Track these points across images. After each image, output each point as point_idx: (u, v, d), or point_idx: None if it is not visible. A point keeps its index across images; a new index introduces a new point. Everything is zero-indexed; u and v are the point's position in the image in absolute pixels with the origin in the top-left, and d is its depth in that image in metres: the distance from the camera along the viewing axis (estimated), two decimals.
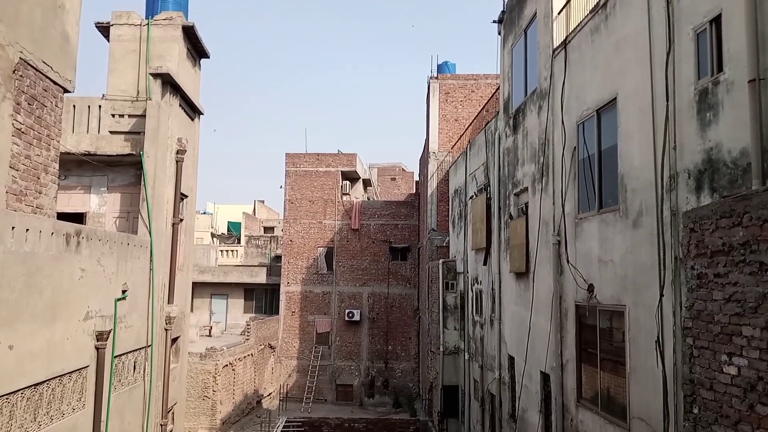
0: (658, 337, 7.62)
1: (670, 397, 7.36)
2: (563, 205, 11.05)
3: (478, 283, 18.94)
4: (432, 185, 27.40)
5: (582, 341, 10.37)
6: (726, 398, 5.76)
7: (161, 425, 11.56)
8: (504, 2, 15.66)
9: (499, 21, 16.08)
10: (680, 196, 7.33)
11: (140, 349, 10.67)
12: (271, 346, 33.65)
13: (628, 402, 8.46)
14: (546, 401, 12.07)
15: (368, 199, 41.12)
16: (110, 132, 11.84)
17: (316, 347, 34.55)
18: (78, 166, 11.96)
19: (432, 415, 24.31)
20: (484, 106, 23.69)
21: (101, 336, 8.74)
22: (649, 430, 7.86)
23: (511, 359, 14.87)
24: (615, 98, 9.11)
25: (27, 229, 6.92)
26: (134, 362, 10.46)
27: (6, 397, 6.60)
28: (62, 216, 10.21)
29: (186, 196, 13.39)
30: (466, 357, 20.58)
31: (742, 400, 5.52)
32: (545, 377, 12.09)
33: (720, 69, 6.68)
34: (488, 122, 18.29)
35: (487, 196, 17.46)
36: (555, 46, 11.69)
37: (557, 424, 11.04)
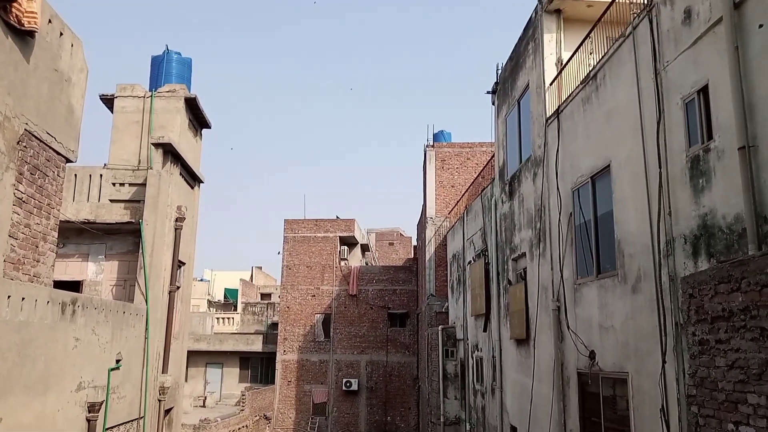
0: (662, 405, 7.47)
1: None
2: (561, 271, 11.04)
3: (478, 350, 18.66)
4: (430, 250, 27.42)
5: (585, 410, 10.13)
6: None
7: None
8: (497, 74, 16.16)
9: (493, 92, 16.54)
10: (678, 261, 7.34)
11: (132, 420, 10.39)
12: (266, 417, 32.74)
13: None
14: None
15: (366, 264, 41.03)
16: (110, 200, 11.95)
17: (312, 418, 33.61)
18: (77, 234, 11.99)
19: None
20: (480, 173, 24.03)
21: (93, 407, 8.53)
22: None
23: (514, 429, 14.47)
24: (608, 165, 9.27)
25: (23, 298, 6.87)
26: None
27: None
28: (59, 284, 10.16)
29: (183, 264, 13.37)
30: (468, 428, 20.01)
31: None
32: None
33: (710, 137, 6.84)
34: (484, 188, 18.50)
35: (485, 261, 17.45)
36: (548, 116, 11.98)
37: None
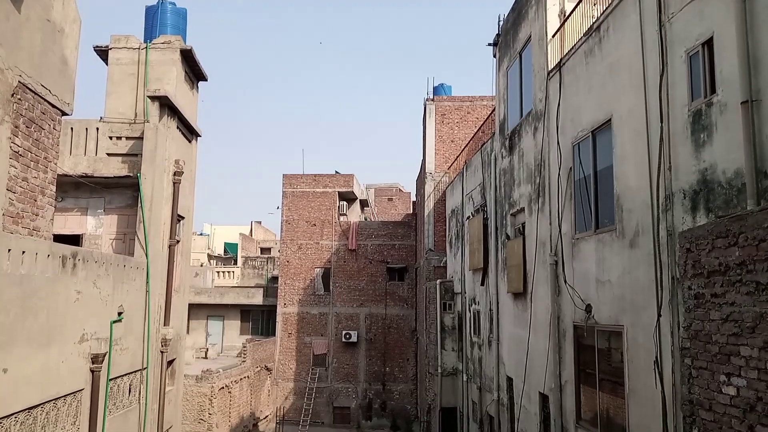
0: (656, 357, 7.60)
1: (669, 418, 7.31)
2: (560, 226, 11.08)
3: (475, 304, 18.89)
4: (429, 206, 27.45)
5: (580, 362, 10.32)
6: (725, 419, 5.73)
7: None
8: (499, 25, 15.85)
9: (495, 44, 16.26)
10: (676, 217, 7.36)
11: (136, 371, 10.59)
12: (267, 368, 33.37)
13: (628, 423, 8.41)
14: (545, 423, 11.97)
15: (365, 219, 41.14)
16: (107, 154, 11.87)
17: (313, 369, 34.29)
18: (75, 188, 11.96)
19: None
20: (480, 128, 23.85)
21: (96, 359, 8.67)
22: None
23: (510, 380, 14.78)
24: (610, 119, 9.19)
25: (23, 252, 6.90)
26: (129, 385, 10.37)
27: (0, 421, 6.53)
28: (59, 238, 10.20)
29: (183, 218, 13.39)
30: (465, 378, 20.44)
31: (741, 420, 5.49)
32: (544, 398, 12.01)
33: (713, 91, 6.76)
34: (484, 143, 18.40)
35: (483, 216, 17.50)
36: (550, 69, 11.81)
37: None
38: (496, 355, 16.02)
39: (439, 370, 22.28)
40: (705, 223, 6.47)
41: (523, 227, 13.84)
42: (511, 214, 14.79)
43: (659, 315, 7.56)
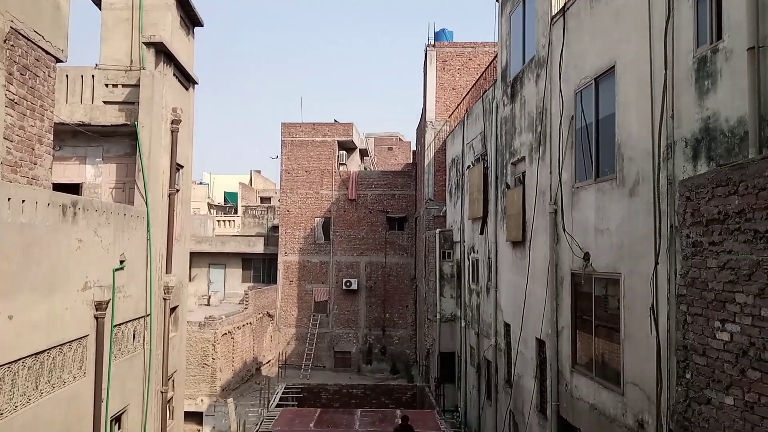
0: (652, 304, 7.71)
1: (663, 363, 7.48)
2: (560, 174, 11.06)
3: (474, 252, 19.05)
4: (429, 155, 27.33)
5: (577, 309, 10.48)
6: (718, 363, 5.85)
7: (161, 392, 11.72)
8: None
9: None
10: (677, 165, 7.34)
11: (139, 318, 10.76)
12: (269, 315, 33.92)
13: (622, 368, 8.60)
14: (541, 367, 12.25)
15: (365, 169, 41.02)
16: (104, 102, 11.73)
17: (314, 316, 34.85)
18: (73, 137, 11.88)
19: (429, 380, 24.67)
20: (481, 75, 23.50)
21: (100, 306, 8.80)
22: (642, 395, 8.00)
23: (507, 326, 15.04)
24: (613, 66, 9.05)
25: (23, 200, 6.90)
26: (134, 331, 10.55)
27: (8, 366, 6.67)
28: (58, 187, 10.18)
29: (182, 167, 13.34)
30: (463, 324, 20.80)
31: (734, 365, 5.61)
32: (541, 344, 12.25)
33: (719, 37, 6.63)
34: (486, 91, 18.17)
35: (484, 165, 17.44)
36: (554, 14, 11.55)
37: (552, 390, 11.22)
38: (494, 302, 16.25)
39: (438, 317, 22.66)
40: (705, 172, 6.45)
41: (524, 176, 13.82)
42: (512, 163, 14.73)
43: (657, 263, 7.62)
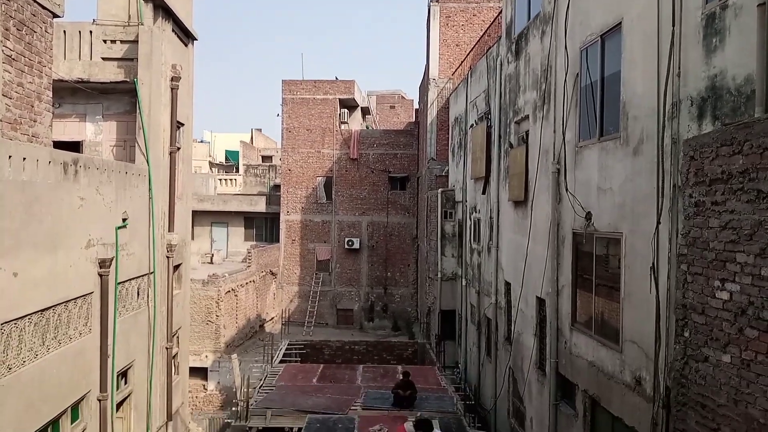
0: (653, 263, 7.75)
1: (662, 321, 7.55)
2: (564, 133, 10.97)
3: (476, 212, 19.06)
4: (432, 113, 27.08)
5: (578, 268, 10.54)
6: (717, 322, 5.91)
7: (166, 348, 11.91)
8: None
9: None
10: (682, 124, 7.26)
11: (143, 276, 10.85)
12: (272, 273, 34.21)
13: (621, 326, 8.70)
14: (541, 325, 12.39)
15: (367, 127, 40.75)
16: (102, 59, 11.57)
17: (316, 274, 35.14)
18: (72, 94, 11.76)
19: (429, 337, 25.03)
20: (486, 31, 23.08)
21: (104, 263, 8.86)
22: (641, 353, 8.11)
23: (508, 285, 15.16)
24: (620, 23, 8.87)
25: (24, 158, 6.88)
26: (138, 288, 10.66)
27: (14, 322, 6.76)
28: (58, 145, 10.14)
29: (182, 125, 13.26)
30: (464, 283, 20.97)
31: (732, 323, 5.67)
32: (541, 302, 12.37)
33: None
34: (490, 48, 17.88)
35: (487, 124, 17.30)
36: None
37: (551, 347, 11.38)
38: (495, 261, 16.34)
39: (439, 275, 22.83)
40: (710, 131, 6.39)
41: (527, 135, 13.72)
42: (515, 122, 14.61)
43: (658, 222, 7.63)
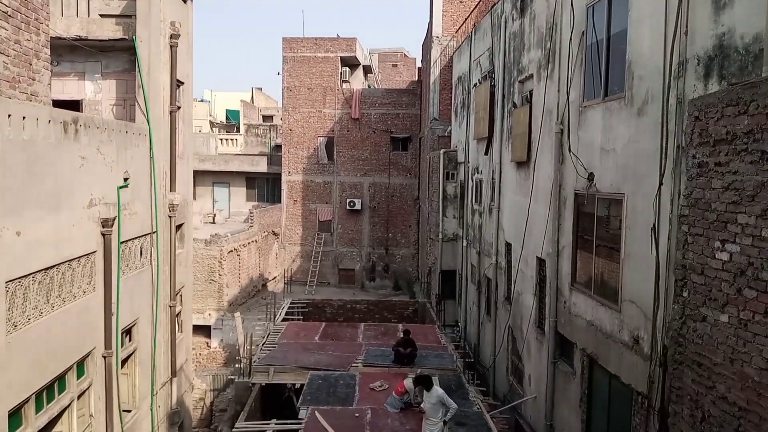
0: (654, 224, 7.76)
1: (661, 282, 7.61)
2: (568, 93, 10.85)
3: (478, 173, 19.01)
4: (435, 72, 26.74)
5: (579, 228, 10.56)
6: (716, 282, 5.95)
7: (170, 306, 12.05)
8: None
9: None
10: (687, 84, 7.17)
11: (145, 235, 10.90)
12: (274, 233, 34.35)
13: (621, 286, 8.76)
14: (541, 285, 12.49)
15: (369, 86, 40.29)
16: (100, 15, 11.39)
17: (318, 234, 35.28)
18: (70, 52, 11.61)
19: (430, 297, 25.28)
20: None
21: (106, 223, 8.89)
22: (639, 313, 8.20)
23: (508, 245, 15.23)
24: None
25: (24, 117, 6.83)
26: (140, 248, 10.72)
27: (18, 280, 6.82)
28: (58, 103, 10.06)
29: (182, 83, 13.12)
30: (464, 244, 21.06)
31: (731, 284, 5.71)
32: (541, 262, 12.44)
33: None
34: (495, 4, 17.54)
35: (491, 83, 17.10)
36: None
37: (551, 306, 11.49)
38: (496, 222, 16.38)
39: (440, 236, 22.92)
40: (716, 91, 6.32)
41: (531, 95, 13.57)
42: (519, 81, 14.44)
43: (661, 183, 7.61)
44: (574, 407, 10.46)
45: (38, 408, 7.45)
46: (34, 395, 7.24)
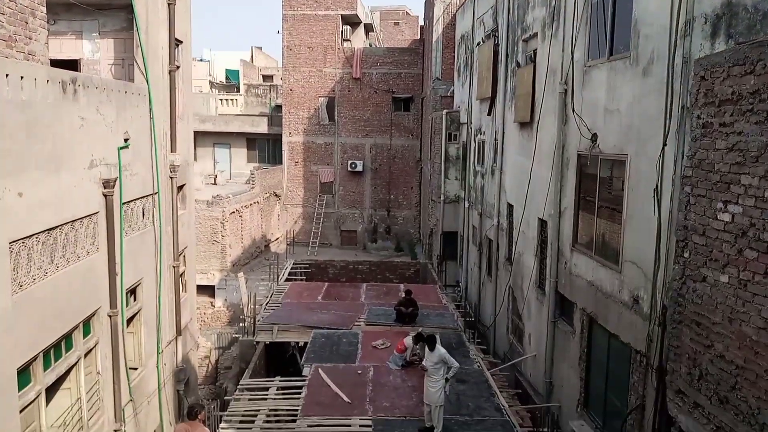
0: (657, 185, 7.74)
1: (662, 243, 7.63)
2: (572, 52, 10.69)
3: (481, 134, 18.89)
4: (437, 31, 26.30)
5: (581, 190, 10.55)
6: (717, 243, 5.97)
7: (173, 267, 12.13)
8: None
9: None
10: (694, 43, 7.06)
11: (147, 196, 10.89)
12: (276, 195, 34.34)
13: (622, 247, 8.80)
14: (542, 246, 12.55)
15: (370, 45, 39.69)
16: None
17: (320, 196, 35.26)
18: (67, 10, 11.40)
19: (431, 258, 25.42)
20: None
21: (108, 183, 8.88)
22: (639, 273, 8.25)
23: (510, 207, 15.23)
24: None
25: (21, 77, 6.76)
26: (143, 209, 10.73)
27: (22, 241, 6.86)
28: (55, 63, 9.94)
29: (181, 42, 12.93)
30: (466, 205, 21.07)
31: (732, 245, 5.72)
32: (542, 224, 12.46)
33: None
34: None
35: (494, 42, 16.84)
36: None
37: (552, 267, 11.56)
38: (498, 183, 16.35)
39: (442, 198, 22.92)
40: (723, 50, 6.22)
41: (535, 54, 13.38)
42: (523, 40, 14.22)
43: (665, 144, 7.56)
44: (573, 365, 10.62)
45: (46, 366, 7.58)
46: (41, 353, 7.35)
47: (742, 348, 5.61)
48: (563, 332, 11.22)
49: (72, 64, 11.47)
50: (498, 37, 16.60)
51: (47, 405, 7.74)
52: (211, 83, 49.73)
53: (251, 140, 38.77)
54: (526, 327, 13.69)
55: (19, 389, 6.91)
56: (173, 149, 12.03)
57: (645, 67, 8.18)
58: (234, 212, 27.25)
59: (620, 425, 8.74)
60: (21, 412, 6.95)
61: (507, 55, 15.70)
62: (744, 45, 5.66)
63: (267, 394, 12.15)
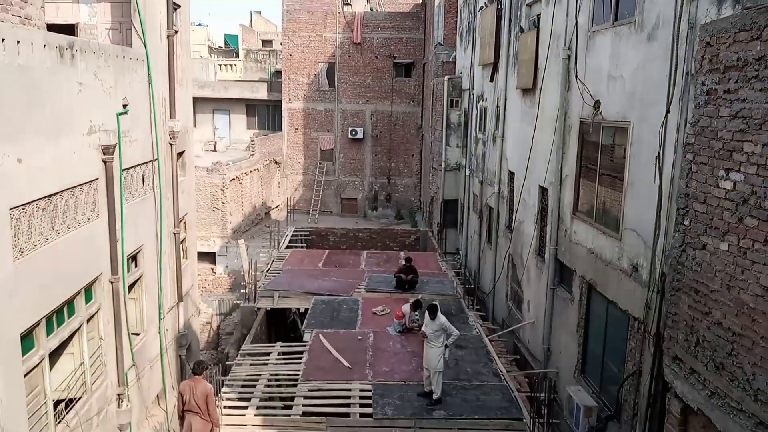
0: (659, 153, 7.70)
1: (663, 210, 7.63)
2: (576, 17, 10.53)
3: (483, 100, 18.73)
4: None
5: (583, 157, 10.50)
6: (717, 211, 5.97)
7: (174, 233, 12.16)
8: None
9: None
10: (700, 8, 6.94)
11: (147, 162, 10.86)
12: (276, 162, 34.23)
13: (622, 214, 8.80)
14: (542, 213, 12.55)
15: (371, 9, 39.08)
16: None
17: (320, 163, 35.14)
18: None
19: (432, 225, 25.47)
20: None
21: (107, 150, 8.84)
22: (639, 241, 8.26)
23: (511, 174, 15.19)
24: None
25: (18, 41, 6.67)
26: (142, 175, 10.71)
27: (22, 207, 6.86)
28: (52, 27, 9.79)
29: (179, 6, 12.73)
30: (467, 173, 21.01)
31: (732, 212, 5.72)
32: (543, 191, 12.44)
33: None
34: None
35: (497, 6, 16.57)
36: None
37: (552, 234, 11.59)
38: (499, 150, 16.27)
39: (443, 165, 22.85)
40: (729, 15, 6.12)
41: (538, 19, 13.17)
42: (527, 5, 13.99)
43: (668, 111, 7.49)
44: (571, 332, 10.73)
45: (49, 331, 7.66)
46: (44, 319, 7.42)
47: (739, 315, 5.65)
48: (562, 299, 11.30)
49: (69, 29, 11.31)
50: (501, 2, 16.33)
51: (51, 369, 7.85)
52: (210, 48, 49.15)
53: (251, 106, 38.46)
54: (525, 294, 13.78)
55: (23, 354, 7.00)
56: (172, 115, 11.95)
57: (650, 32, 8.06)
58: (234, 179, 27.21)
59: (617, 391, 8.87)
60: (25, 376, 7.05)
61: (510, 20, 15.47)
62: (751, 10, 5.56)
63: (268, 359, 12.31)
